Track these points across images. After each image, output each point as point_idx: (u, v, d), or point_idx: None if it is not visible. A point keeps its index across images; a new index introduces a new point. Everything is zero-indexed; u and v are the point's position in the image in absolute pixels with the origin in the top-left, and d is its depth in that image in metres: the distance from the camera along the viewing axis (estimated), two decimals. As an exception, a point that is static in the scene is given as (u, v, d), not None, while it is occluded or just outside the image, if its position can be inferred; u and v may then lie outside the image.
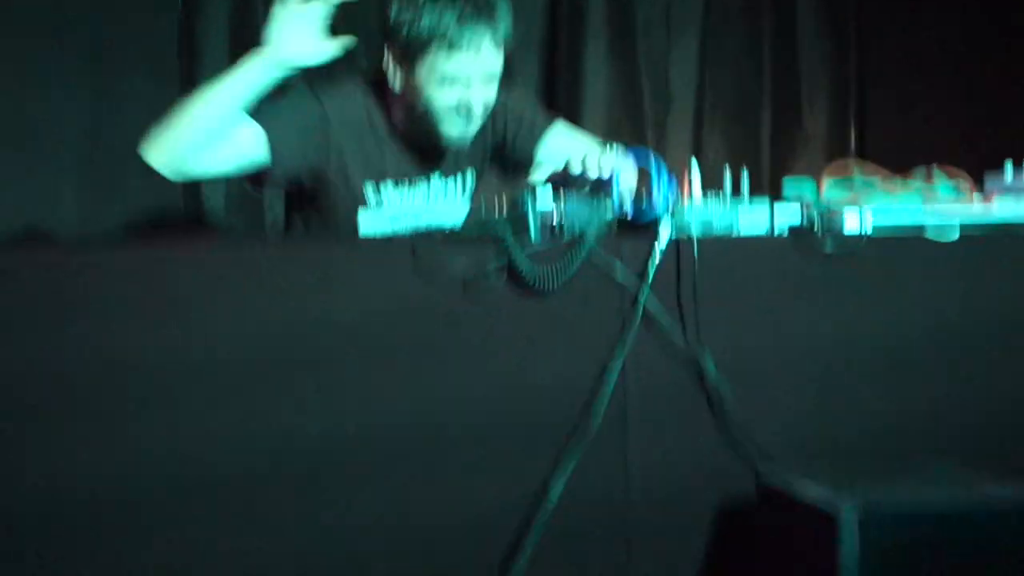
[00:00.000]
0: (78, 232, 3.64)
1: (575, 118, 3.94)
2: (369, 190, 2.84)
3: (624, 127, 4.30)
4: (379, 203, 2.85)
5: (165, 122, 2.64)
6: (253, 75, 2.64)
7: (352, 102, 2.86)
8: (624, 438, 2.28)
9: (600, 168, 2.38)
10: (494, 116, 2.92)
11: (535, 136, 2.97)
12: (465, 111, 2.77)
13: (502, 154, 2.99)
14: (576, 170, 2.40)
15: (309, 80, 2.85)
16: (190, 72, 3.76)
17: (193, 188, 3.69)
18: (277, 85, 2.70)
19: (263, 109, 2.70)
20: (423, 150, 2.89)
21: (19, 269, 2.12)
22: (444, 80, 2.74)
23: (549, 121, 3.00)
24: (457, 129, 2.80)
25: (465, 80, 2.74)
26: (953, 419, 2.42)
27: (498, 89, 2.83)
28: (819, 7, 4.54)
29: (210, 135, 2.65)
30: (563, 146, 2.94)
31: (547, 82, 4.29)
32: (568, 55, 4.29)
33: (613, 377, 2.25)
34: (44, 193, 3.66)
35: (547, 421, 2.25)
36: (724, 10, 4.44)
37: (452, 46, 2.71)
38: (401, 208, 2.86)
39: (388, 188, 2.86)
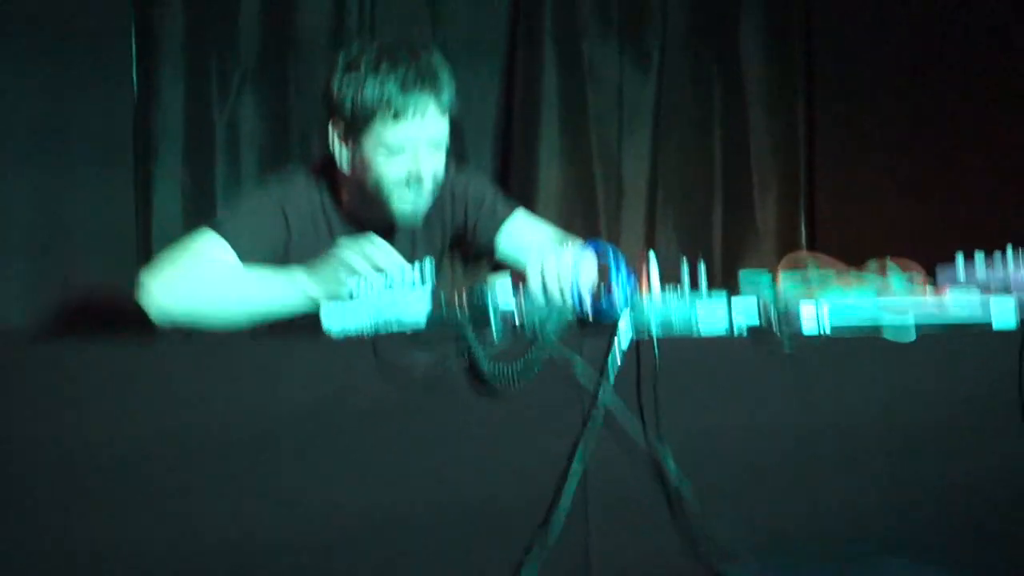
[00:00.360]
0: (25, 318, 3.60)
1: (529, 207, 3.95)
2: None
3: (577, 217, 4.33)
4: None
5: (175, 281, 2.66)
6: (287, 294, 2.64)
7: (303, 193, 2.83)
8: (586, 539, 2.25)
9: (559, 279, 2.38)
10: (454, 201, 2.91)
11: (496, 223, 2.96)
12: (415, 182, 2.74)
13: (463, 241, 2.98)
14: (535, 283, 2.40)
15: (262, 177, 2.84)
16: (146, 163, 3.75)
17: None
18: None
19: (224, 215, 2.67)
20: (376, 232, 2.86)
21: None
22: (392, 150, 2.72)
23: (510, 209, 3.00)
24: (408, 204, 2.77)
25: (412, 149, 2.72)
26: (912, 516, 2.42)
27: (455, 167, 2.82)
28: (768, 99, 4.61)
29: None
30: (523, 236, 2.94)
31: (501, 171, 4.32)
32: (521, 145, 4.32)
33: (574, 477, 2.23)
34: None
35: (508, 521, 2.22)
36: (674, 102, 4.50)
37: (397, 115, 2.69)
38: (360, 300, 2.83)
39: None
